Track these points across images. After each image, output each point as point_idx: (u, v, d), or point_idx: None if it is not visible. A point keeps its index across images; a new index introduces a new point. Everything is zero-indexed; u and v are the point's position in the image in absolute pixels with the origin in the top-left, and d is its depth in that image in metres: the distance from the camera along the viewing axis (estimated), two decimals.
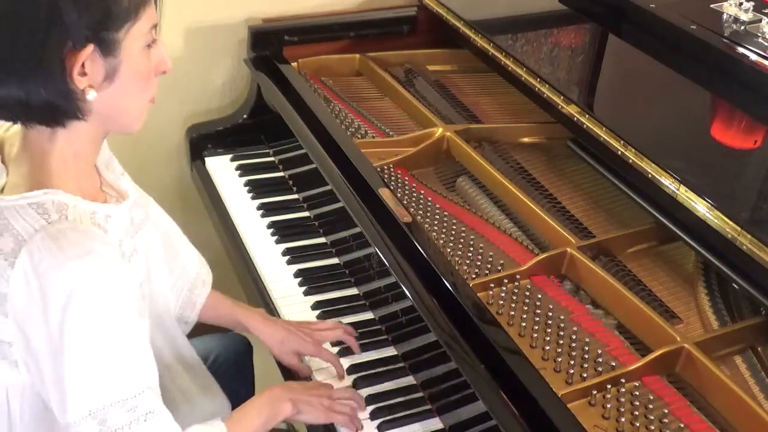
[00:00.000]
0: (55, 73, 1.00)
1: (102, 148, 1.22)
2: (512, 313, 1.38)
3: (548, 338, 1.33)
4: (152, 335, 1.28)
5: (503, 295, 1.41)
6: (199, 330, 1.66)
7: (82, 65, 1.01)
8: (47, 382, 1.04)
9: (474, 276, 1.45)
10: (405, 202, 1.61)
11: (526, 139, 1.82)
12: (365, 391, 1.40)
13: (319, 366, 1.46)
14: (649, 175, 1.35)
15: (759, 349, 1.31)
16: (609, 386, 1.24)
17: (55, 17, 0.98)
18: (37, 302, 1.00)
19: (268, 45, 1.99)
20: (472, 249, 1.52)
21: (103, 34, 1.01)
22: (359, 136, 1.81)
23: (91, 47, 1.00)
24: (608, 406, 1.22)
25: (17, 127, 1.11)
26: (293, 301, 1.60)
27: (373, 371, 1.45)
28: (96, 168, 1.19)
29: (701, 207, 1.27)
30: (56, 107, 1.03)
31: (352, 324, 1.54)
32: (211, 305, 1.48)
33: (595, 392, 1.24)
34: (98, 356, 1.03)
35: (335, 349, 1.49)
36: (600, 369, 1.28)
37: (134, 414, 1.05)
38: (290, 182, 1.94)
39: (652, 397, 1.24)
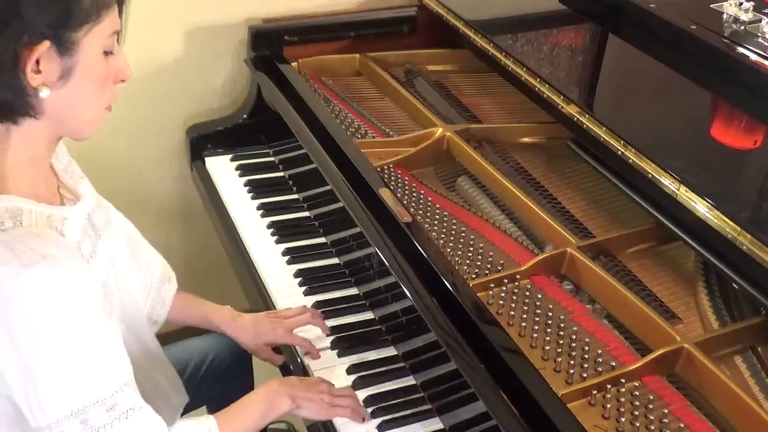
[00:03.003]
0: (8, 67, 0.99)
1: (61, 152, 1.22)
2: (512, 313, 1.38)
3: (548, 338, 1.33)
4: (124, 337, 1.28)
5: (503, 295, 1.41)
6: (198, 330, 1.66)
7: (37, 62, 1.00)
8: (16, 387, 1.03)
9: (474, 276, 1.45)
10: (405, 202, 1.61)
11: (526, 139, 1.82)
12: (365, 392, 1.40)
13: (318, 367, 1.47)
14: (649, 175, 1.35)
15: (759, 349, 1.31)
16: (609, 386, 1.24)
17: (13, 9, 0.97)
18: None
19: (268, 45, 1.99)
20: (472, 249, 1.52)
21: (60, 32, 1.00)
22: (359, 136, 1.81)
23: (47, 44, 1.00)
24: (608, 406, 1.22)
25: None
26: (293, 302, 1.60)
27: (373, 371, 1.45)
28: (52, 169, 1.19)
29: (701, 207, 1.27)
30: (7, 102, 1.02)
31: (352, 324, 1.54)
32: (181, 306, 1.50)
33: (595, 392, 1.24)
34: (70, 358, 1.02)
35: (333, 353, 1.50)
36: (600, 369, 1.28)
37: (115, 412, 1.05)
38: (290, 182, 1.94)
39: (652, 397, 1.24)
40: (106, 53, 1.07)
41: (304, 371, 1.47)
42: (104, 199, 1.34)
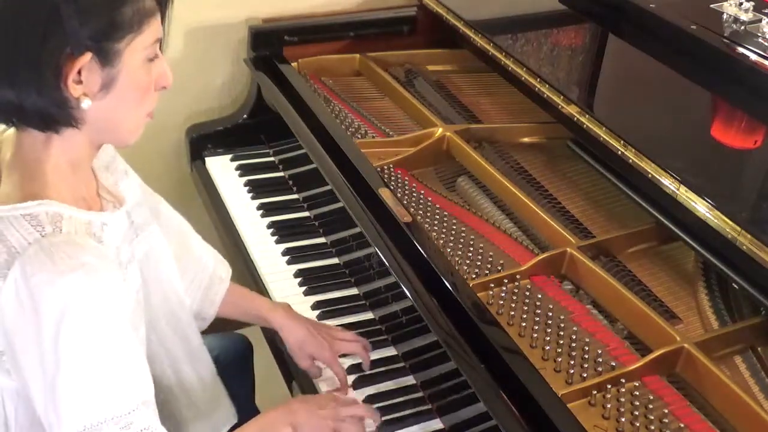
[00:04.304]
0: (50, 78, 0.99)
1: (103, 148, 1.20)
2: (512, 313, 1.38)
3: (548, 338, 1.33)
4: (165, 334, 1.26)
5: (503, 295, 1.41)
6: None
7: (79, 72, 1.00)
8: (36, 393, 1.02)
9: (474, 276, 1.45)
10: (405, 202, 1.61)
11: (526, 139, 1.82)
12: (365, 391, 1.40)
13: (325, 376, 1.46)
14: (649, 175, 1.35)
15: (759, 349, 1.31)
16: (609, 386, 1.24)
17: (55, 22, 0.97)
18: (28, 316, 0.99)
19: (268, 45, 1.99)
20: (472, 249, 1.52)
21: (103, 44, 1.00)
22: (359, 136, 1.81)
23: (89, 55, 0.99)
24: (608, 406, 1.22)
25: (12, 131, 1.10)
26: (293, 301, 1.59)
27: (373, 371, 1.45)
28: (93, 171, 1.18)
29: (701, 207, 1.27)
30: (49, 113, 1.02)
31: (353, 324, 1.54)
32: (231, 300, 1.47)
33: (595, 392, 1.24)
34: (92, 371, 1.01)
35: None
36: (600, 369, 1.28)
37: (129, 431, 1.03)
38: (290, 182, 1.94)
39: (652, 397, 1.24)
40: (149, 60, 1.07)
41: (304, 372, 1.47)
42: (153, 194, 1.33)
